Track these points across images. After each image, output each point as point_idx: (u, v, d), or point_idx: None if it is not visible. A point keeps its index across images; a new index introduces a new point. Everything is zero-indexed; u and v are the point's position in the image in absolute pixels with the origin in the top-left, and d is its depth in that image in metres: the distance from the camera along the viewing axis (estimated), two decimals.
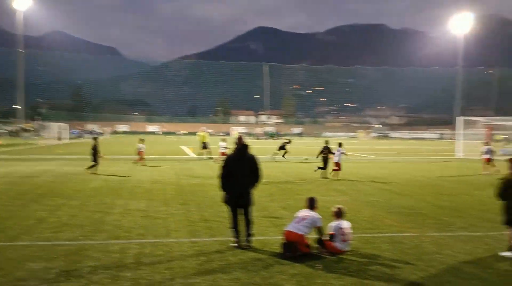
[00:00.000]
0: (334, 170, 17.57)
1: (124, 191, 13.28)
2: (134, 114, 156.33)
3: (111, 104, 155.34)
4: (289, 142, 29.05)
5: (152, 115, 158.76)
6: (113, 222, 8.91)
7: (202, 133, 28.26)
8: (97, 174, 17.51)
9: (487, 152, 21.29)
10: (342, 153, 18.18)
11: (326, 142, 19.13)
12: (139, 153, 22.60)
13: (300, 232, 6.87)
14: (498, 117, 48.58)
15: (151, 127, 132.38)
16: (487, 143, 22.94)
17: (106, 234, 7.91)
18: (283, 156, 27.69)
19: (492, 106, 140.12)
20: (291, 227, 7.00)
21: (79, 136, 78.24)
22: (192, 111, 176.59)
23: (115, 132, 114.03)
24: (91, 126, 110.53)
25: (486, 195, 13.16)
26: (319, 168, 18.00)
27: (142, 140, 23.28)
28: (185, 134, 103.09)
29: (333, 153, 18.08)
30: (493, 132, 39.79)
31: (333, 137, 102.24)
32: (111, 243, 7.33)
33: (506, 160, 7.62)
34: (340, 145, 18.43)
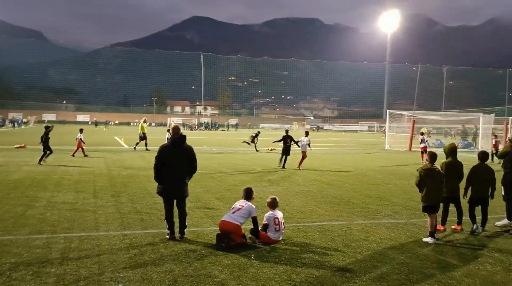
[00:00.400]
0: (302, 159, 18.49)
1: (50, 183, 12.61)
2: (62, 103, 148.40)
3: (36, 92, 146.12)
4: (258, 134, 29.03)
5: (82, 104, 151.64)
6: (36, 215, 8.43)
7: (142, 124, 27.57)
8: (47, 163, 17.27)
9: (423, 142, 23.60)
10: (308, 143, 18.91)
11: (287, 131, 19.72)
12: (78, 144, 21.46)
13: (236, 222, 6.88)
14: (420, 111, 51.75)
15: (81, 117, 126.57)
16: (422, 134, 25.00)
17: (29, 229, 7.46)
18: (255, 148, 27.68)
19: (415, 100, 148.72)
20: (226, 218, 7.00)
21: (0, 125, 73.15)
22: (125, 101, 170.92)
23: (41, 122, 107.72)
24: (13, 115, 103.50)
25: (408, 184, 14.00)
26: (284, 159, 18.49)
27: (81, 130, 22.15)
28: (115, 124, 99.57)
29: (297, 143, 18.80)
30: (416, 125, 42.20)
31: (269, 129, 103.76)
32: (34, 238, 6.92)
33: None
34: (306, 134, 19.22)
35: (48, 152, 17.96)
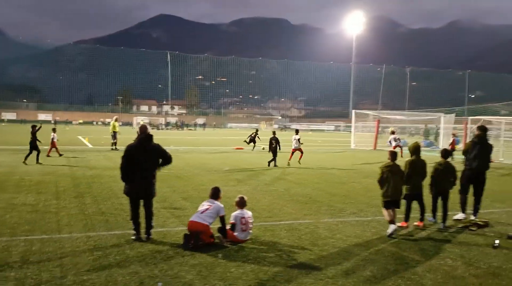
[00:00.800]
0: (291, 154, 19.53)
1: (9, 184, 12.17)
2: (22, 101, 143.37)
3: None
4: (257, 132, 28.49)
5: (43, 102, 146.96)
6: None
7: (113, 122, 26.91)
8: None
9: (395, 141, 24.35)
10: (298, 140, 19.60)
11: (274, 132, 20.36)
12: (53, 143, 20.81)
13: (204, 222, 6.84)
14: (385, 111, 52.94)
15: (43, 116, 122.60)
16: (393, 133, 25.89)
17: None
18: (252, 149, 27.70)
19: (379, 100, 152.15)
20: (195, 218, 6.95)
21: None
22: (90, 100, 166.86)
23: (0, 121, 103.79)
24: None
25: (373, 182, 14.22)
26: (272, 161, 19.00)
27: (54, 129, 21.51)
28: (80, 123, 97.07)
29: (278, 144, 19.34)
30: (381, 124, 43.11)
31: (237, 129, 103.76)
32: None
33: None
34: (296, 132, 20.08)
35: (35, 151, 17.86)
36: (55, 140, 20.96)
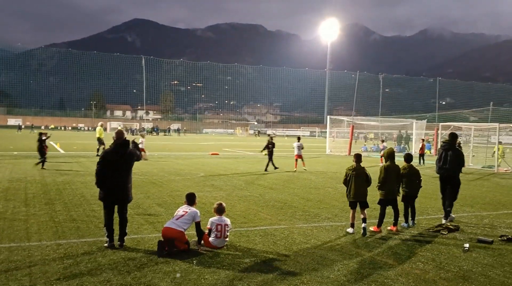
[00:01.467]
0: (296, 161, 20.50)
1: None
2: None
3: None
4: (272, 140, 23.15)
5: (13, 107, 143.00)
6: None
7: (98, 128, 26.42)
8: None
9: (383, 149, 25.16)
10: (300, 146, 20.78)
11: (271, 138, 21.26)
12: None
13: (179, 229, 6.78)
14: (359, 117, 53.70)
15: (13, 120, 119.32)
16: (383, 141, 26.78)
17: None
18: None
19: (353, 106, 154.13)
20: (170, 224, 6.88)
21: None
22: (61, 104, 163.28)
23: None
24: None
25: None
26: (272, 165, 19.96)
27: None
28: (52, 128, 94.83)
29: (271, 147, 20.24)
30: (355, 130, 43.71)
31: (212, 134, 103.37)
32: None
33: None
34: (298, 139, 21.32)
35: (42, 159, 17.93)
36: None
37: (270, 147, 20.36)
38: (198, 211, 7.22)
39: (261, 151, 22.06)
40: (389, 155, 8.94)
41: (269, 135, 23.16)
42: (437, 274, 6.09)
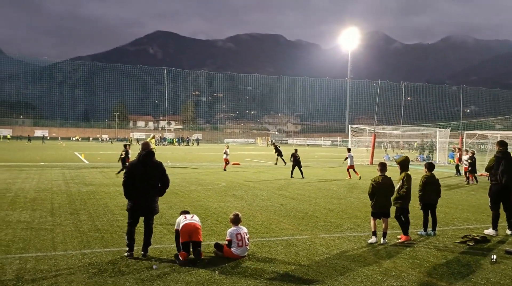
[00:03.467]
0: (348, 171, 21.44)
1: (4, 201, 12.08)
2: (18, 118, 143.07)
3: None
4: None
5: (40, 118, 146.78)
6: None
7: (150, 140, 26.93)
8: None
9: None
10: (350, 157, 21.75)
11: (296, 150, 22.45)
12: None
13: (198, 223, 7.15)
14: (381, 126, 53.18)
15: (39, 132, 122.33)
16: (349, 150, 26.53)
17: None
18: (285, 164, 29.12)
19: (374, 115, 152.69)
20: (189, 221, 7.08)
21: None
22: (86, 116, 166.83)
23: None
24: None
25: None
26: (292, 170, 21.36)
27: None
28: (77, 139, 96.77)
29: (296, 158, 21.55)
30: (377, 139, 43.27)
31: (233, 144, 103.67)
32: None
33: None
34: (349, 150, 22.19)
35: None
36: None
37: (297, 156, 21.67)
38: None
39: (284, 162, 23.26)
40: (405, 163, 8.97)
41: (273, 142, 28.14)
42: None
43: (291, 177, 21.01)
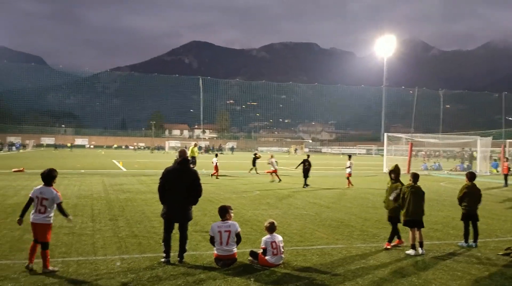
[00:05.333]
0: (349, 182, 20.91)
1: None
2: (61, 127, 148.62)
3: (35, 116, 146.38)
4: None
5: (80, 127, 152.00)
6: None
7: (192, 148, 27.44)
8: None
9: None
10: (350, 166, 21.11)
11: (308, 156, 21.99)
12: (215, 167, 24.65)
13: (232, 253, 7.02)
14: (418, 134, 51.96)
15: (80, 140, 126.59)
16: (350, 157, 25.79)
17: (26, 253, 7.32)
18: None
19: (411, 123, 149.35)
20: (222, 252, 6.97)
21: None
22: (123, 124, 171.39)
23: (39, 145, 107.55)
24: (11, 139, 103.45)
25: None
26: (305, 183, 20.48)
27: (217, 155, 25.82)
28: (115, 148, 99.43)
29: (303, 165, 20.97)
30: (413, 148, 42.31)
31: (267, 152, 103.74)
32: None
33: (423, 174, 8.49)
34: (349, 157, 21.56)
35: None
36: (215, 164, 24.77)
37: (306, 164, 21.04)
38: (235, 222, 7.39)
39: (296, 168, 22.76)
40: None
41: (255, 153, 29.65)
42: None
43: (306, 186, 20.31)
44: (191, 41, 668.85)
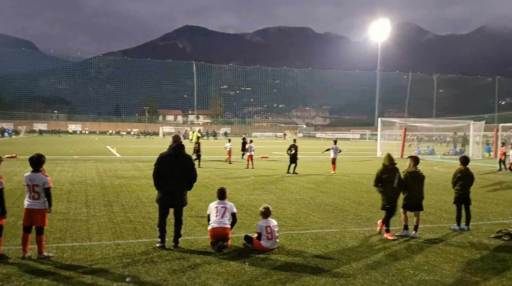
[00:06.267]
0: (333, 164, 20.27)
1: None
2: (53, 113, 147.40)
3: (26, 101, 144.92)
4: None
5: (73, 113, 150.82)
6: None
7: (195, 133, 28.28)
8: None
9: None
10: (338, 149, 20.57)
11: (294, 140, 21.59)
12: (228, 152, 25.58)
13: (226, 226, 7.14)
14: (412, 119, 52.12)
15: (73, 126, 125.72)
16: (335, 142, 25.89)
17: (20, 239, 7.36)
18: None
19: (405, 108, 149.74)
20: (218, 224, 7.11)
21: None
22: (117, 110, 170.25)
23: (31, 131, 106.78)
24: (3, 125, 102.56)
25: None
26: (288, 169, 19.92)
27: (230, 140, 26.84)
28: (110, 133, 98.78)
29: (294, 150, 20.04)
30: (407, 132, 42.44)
31: (261, 137, 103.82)
32: None
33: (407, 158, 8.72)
34: (335, 142, 20.87)
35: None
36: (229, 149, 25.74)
37: (292, 149, 20.14)
38: (232, 204, 7.53)
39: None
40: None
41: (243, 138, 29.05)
42: (499, 282, 5.81)
43: (294, 172, 19.55)
44: (184, 26, 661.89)
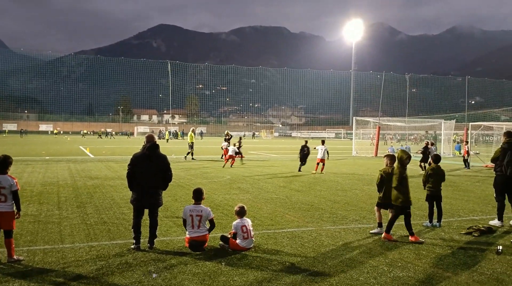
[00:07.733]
0: (317, 164, 20.31)
1: None
2: (23, 112, 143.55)
3: None
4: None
5: (44, 113, 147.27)
6: None
7: (189, 133, 28.09)
8: None
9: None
10: (325, 149, 20.52)
11: (306, 142, 22.01)
12: (225, 151, 25.08)
13: (203, 234, 7.03)
14: (385, 118, 52.99)
15: (44, 126, 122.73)
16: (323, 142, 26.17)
17: None
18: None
19: (380, 107, 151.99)
20: (194, 233, 6.98)
21: None
22: (90, 110, 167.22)
23: (1, 132, 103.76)
24: None
25: (374, 189, 14.22)
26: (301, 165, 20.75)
27: (226, 139, 27.01)
28: (85, 133, 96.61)
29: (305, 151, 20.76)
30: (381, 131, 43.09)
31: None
32: None
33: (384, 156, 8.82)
34: (323, 142, 20.95)
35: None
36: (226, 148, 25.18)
37: (305, 150, 20.87)
38: (208, 208, 7.32)
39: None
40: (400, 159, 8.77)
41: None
42: (470, 276, 5.95)
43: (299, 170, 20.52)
44: (159, 25, 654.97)
